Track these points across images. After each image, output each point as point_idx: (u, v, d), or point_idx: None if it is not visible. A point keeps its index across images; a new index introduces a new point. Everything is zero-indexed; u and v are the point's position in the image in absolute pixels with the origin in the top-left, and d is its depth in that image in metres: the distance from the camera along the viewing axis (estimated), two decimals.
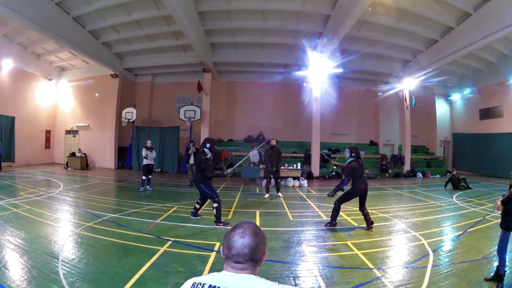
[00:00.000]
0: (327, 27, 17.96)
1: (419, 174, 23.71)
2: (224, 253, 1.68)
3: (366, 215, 8.19)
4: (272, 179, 13.56)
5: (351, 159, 8.33)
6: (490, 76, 23.42)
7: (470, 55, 20.75)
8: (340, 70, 19.49)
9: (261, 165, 17.22)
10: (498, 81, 22.75)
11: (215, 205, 8.16)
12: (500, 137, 22.63)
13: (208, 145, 8.46)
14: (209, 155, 8.44)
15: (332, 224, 8.12)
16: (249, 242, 1.63)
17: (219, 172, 9.23)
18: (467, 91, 26.14)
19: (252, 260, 1.63)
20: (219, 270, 1.63)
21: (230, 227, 1.84)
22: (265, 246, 1.72)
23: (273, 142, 13.66)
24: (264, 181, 13.80)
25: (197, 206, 8.86)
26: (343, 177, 8.29)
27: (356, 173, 8.17)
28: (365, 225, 8.19)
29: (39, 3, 15.51)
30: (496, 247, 4.90)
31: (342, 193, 8.43)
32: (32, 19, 15.38)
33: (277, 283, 1.59)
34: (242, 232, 1.66)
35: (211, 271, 5.07)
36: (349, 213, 9.91)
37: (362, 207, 8.27)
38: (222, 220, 8.20)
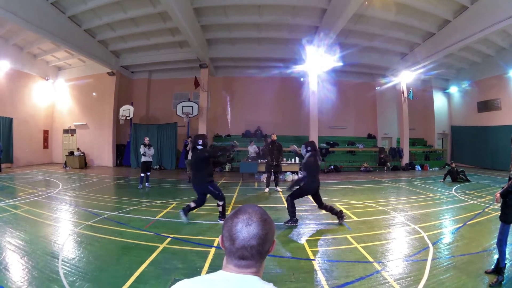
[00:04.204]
0: (323, 21, 17.89)
1: (418, 167, 23.77)
2: (225, 246, 1.38)
3: (331, 210, 7.93)
4: (272, 173, 13.57)
5: (308, 153, 7.97)
6: (488, 69, 23.34)
7: (467, 48, 20.67)
8: (338, 64, 19.44)
9: (259, 160, 17.25)
10: (496, 74, 22.65)
11: (221, 203, 8.07)
12: (499, 129, 22.55)
13: (200, 141, 8.38)
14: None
15: (293, 221, 7.76)
16: (257, 231, 1.33)
17: (225, 147, 9.12)
18: (464, 84, 26.08)
19: (260, 254, 1.34)
20: (219, 266, 1.41)
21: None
22: (274, 234, 1.43)
23: (274, 137, 13.70)
24: (264, 176, 13.83)
25: (192, 205, 8.15)
26: (300, 175, 7.98)
27: (312, 170, 7.83)
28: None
29: (35, 3, 15.40)
30: (496, 240, 4.91)
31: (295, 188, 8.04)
32: (28, 20, 15.29)
33: None
34: (248, 219, 1.35)
35: (210, 267, 5.08)
36: (348, 206, 9.93)
37: (321, 205, 7.98)
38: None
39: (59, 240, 6.42)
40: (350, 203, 10.53)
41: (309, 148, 7.99)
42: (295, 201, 7.84)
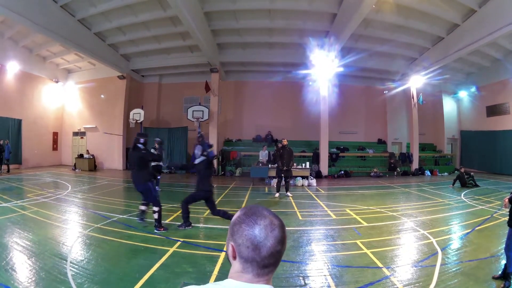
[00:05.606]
0: (333, 25, 17.90)
1: (427, 172, 23.60)
2: (245, 256, 1.21)
3: (224, 214, 7.78)
4: (283, 178, 13.54)
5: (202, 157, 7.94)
6: (496, 73, 23.20)
7: (476, 52, 20.52)
8: (347, 68, 19.42)
9: (270, 165, 17.21)
10: (505, 78, 22.52)
11: (156, 209, 7.56)
12: (508, 134, 22.42)
13: (142, 140, 8.48)
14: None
15: (187, 224, 7.77)
16: (281, 234, 1.22)
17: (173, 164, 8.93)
18: (473, 88, 25.92)
19: (281, 258, 1.24)
20: (229, 270, 1.29)
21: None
22: None
23: (284, 142, 13.68)
24: (274, 180, 13.82)
25: (142, 208, 8.34)
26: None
27: (201, 169, 7.87)
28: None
29: (44, 6, 15.52)
30: (504, 245, 4.88)
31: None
32: (37, 22, 15.41)
33: None
34: (270, 224, 1.22)
35: (220, 271, 5.06)
36: (358, 211, 9.90)
37: (214, 212, 7.84)
38: (163, 225, 7.73)
39: (67, 242, 6.47)
40: (360, 208, 10.49)
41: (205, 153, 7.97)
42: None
